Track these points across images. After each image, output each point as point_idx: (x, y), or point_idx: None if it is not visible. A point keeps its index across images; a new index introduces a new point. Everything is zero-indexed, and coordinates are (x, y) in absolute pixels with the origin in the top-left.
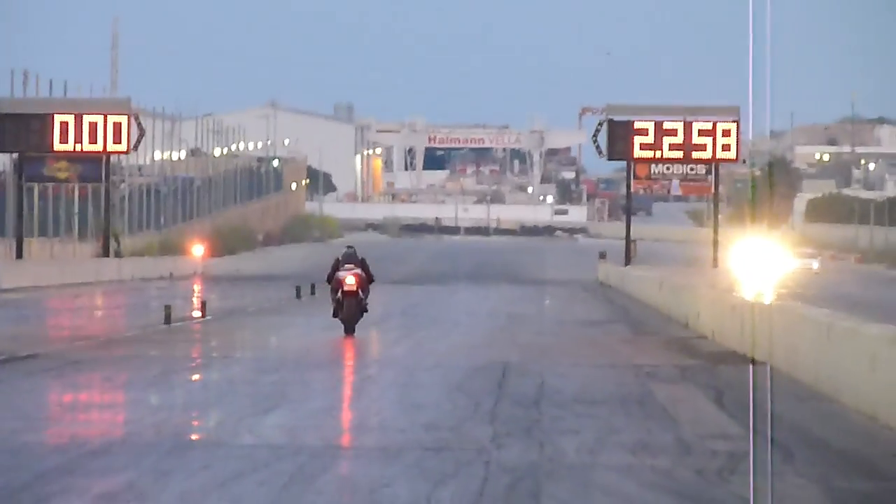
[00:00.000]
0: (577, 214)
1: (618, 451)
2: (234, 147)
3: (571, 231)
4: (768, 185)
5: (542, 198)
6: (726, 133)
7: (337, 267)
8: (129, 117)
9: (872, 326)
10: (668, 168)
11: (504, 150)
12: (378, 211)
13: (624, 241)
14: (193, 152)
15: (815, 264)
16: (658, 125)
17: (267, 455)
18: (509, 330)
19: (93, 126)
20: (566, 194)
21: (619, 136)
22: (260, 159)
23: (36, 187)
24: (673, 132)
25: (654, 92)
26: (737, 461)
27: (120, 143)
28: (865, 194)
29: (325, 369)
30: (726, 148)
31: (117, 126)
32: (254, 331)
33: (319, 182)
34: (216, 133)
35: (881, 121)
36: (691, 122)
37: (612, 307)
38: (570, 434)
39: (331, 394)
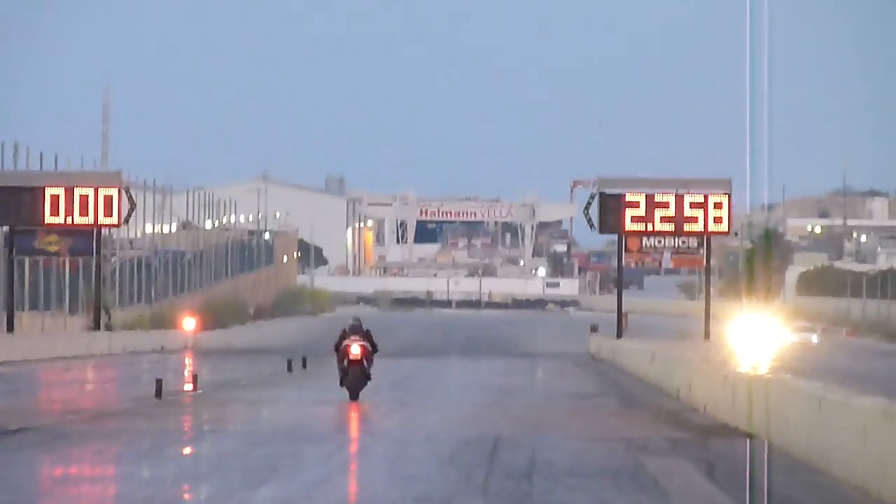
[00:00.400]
0: (568, 287)
1: None
2: (225, 220)
3: (563, 304)
4: (760, 257)
5: (533, 271)
6: (718, 206)
7: (343, 337)
8: (120, 190)
9: (864, 399)
10: (659, 241)
11: (495, 223)
12: (369, 284)
13: (615, 314)
14: (185, 225)
15: (815, 338)
16: (649, 198)
17: None
18: (500, 403)
19: (84, 199)
20: (558, 267)
21: (610, 210)
22: (251, 232)
23: (27, 260)
24: (664, 205)
25: (646, 164)
26: None
27: (111, 216)
28: (858, 267)
29: (316, 442)
30: (718, 221)
31: (108, 199)
32: (245, 404)
33: (311, 255)
34: (207, 206)
35: (873, 193)
36: (683, 195)
37: (604, 380)
38: None
39: (322, 467)
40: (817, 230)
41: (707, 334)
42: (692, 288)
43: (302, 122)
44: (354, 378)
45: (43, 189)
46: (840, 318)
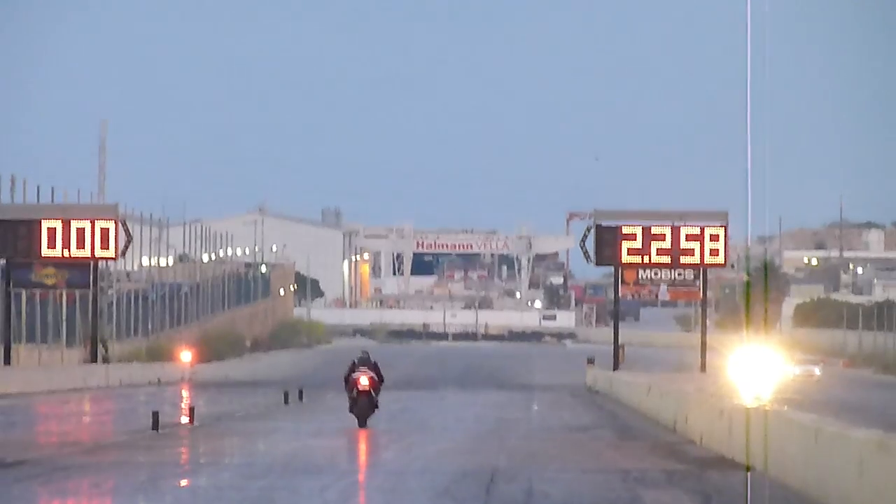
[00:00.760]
0: (565, 319)
1: None
2: (221, 253)
3: (559, 336)
4: (757, 289)
5: (530, 303)
6: (714, 238)
7: (353, 369)
8: (116, 223)
9: (859, 431)
10: (656, 273)
11: (492, 255)
12: (366, 316)
13: (612, 346)
14: (181, 258)
15: (817, 370)
16: (646, 230)
17: None
18: (497, 435)
19: (80, 232)
20: (554, 299)
21: (606, 242)
22: (248, 265)
23: (24, 293)
24: (661, 237)
25: (643, 196)
26: None
27: (108, 248)
28: (854, 299)
29: (313, 475)
30: (714, 253)
31: (105, 232)
32: (242, 436)
33: (307, 287)
34: (204, 239)
35: (869, 225)
36: (679, 227)
37: (600, 412)
38: None
39: (319, 499)
40: (814, 262)
41: (703, 366)
42: (688, 320)
43: (298, 155)
44: (363, 406)
45: (40, 222)
46: (836, 350)
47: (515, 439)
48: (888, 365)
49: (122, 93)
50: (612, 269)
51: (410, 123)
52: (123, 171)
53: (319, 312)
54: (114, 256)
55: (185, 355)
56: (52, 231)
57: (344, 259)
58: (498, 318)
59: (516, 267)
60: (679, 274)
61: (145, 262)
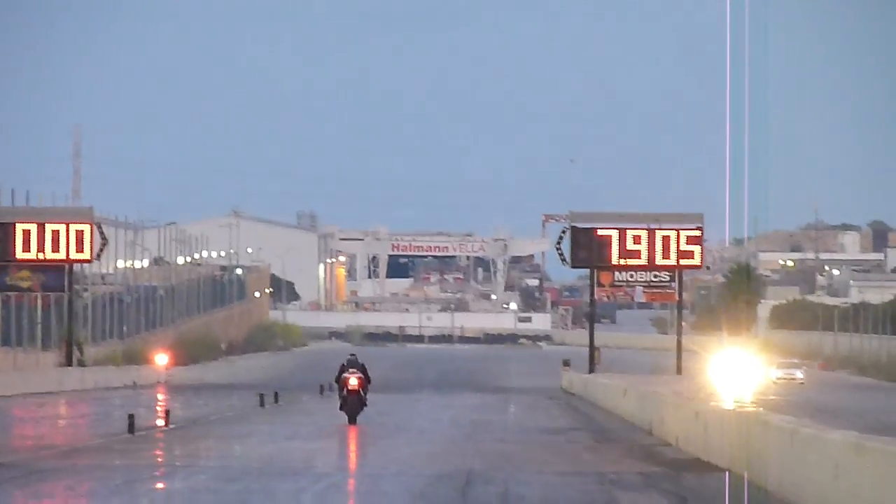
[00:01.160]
0: (540, 322)
1: None
2: (197, 256)
3: (535, 338)
4: (734, 292)
5: (505, 305)
6: (690, 240)
7: (343, 370)
8: (91, 226)
9: (835, 433)
10: (631, 275)
11: (468, 257)
12: (341, 319)
13: (588, 349)
14: (157, 261)
15: (800, 374)
16: (622, 233)
17: None
18: (473, 437)
19: (55, 235)
20: (530, 302)
21: (582, 244)
22: (223, 268)
23: None
24: (637, 239)
25: (619, 199)
26: None
27: (83, 251)
28: (830, 301)
29: (288, 478)
30: (690, 255)
31: (80, 235)
32: (218, 439)
33: (283, 290)
34: (179, 242)
35: (845, 227)
36: (655, 230)
37: (576, 415)
38: None
39: (294, 502)
40: (790, 264)
41: (679, 369)
42: (664, 322)
43: (273, 159)
44: (352, 405)
45: (14, 225)
46: (812, 352)
47: (491, 442)
48: (864, 367)
49: (97, 98)
50: (587, 271)
51: (383, 127)
52: (98, 176)
53: (295, 315)
54: (89, 259)
55: (161, 358)
56: (26, 234)
57: (319, 262)
58: (474, 321)
59: (492, 269)
60: (655, 276)
61: (120, 264)
